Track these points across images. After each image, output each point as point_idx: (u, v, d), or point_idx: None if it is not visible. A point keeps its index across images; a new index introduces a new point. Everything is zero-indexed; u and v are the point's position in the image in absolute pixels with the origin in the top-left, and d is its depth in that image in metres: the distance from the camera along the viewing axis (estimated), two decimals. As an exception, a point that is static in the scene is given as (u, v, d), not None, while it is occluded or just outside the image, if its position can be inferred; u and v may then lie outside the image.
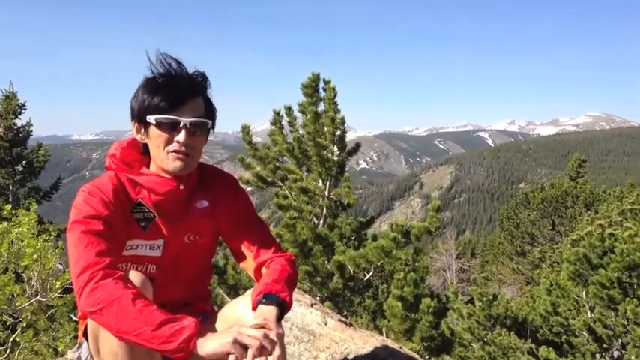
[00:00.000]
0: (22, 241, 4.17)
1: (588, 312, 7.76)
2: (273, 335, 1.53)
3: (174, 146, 1.76)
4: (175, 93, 1.74)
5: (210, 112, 1.85)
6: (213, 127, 1.87)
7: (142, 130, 1.81)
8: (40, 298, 4.26)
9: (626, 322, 7.20)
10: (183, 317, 1.52)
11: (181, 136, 1.75)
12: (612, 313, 7.37)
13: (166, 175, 1.84)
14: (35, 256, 4.12)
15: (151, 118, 1.74)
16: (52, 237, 4.64)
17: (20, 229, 4.17)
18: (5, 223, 4.25)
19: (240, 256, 2.01)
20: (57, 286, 4.35)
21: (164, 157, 1.79)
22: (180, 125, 1.74)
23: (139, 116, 1.79)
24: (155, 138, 1.77)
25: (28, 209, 4.42)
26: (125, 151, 1.91)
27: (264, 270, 1.92)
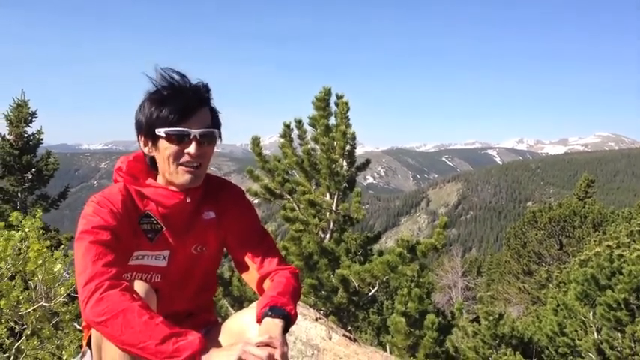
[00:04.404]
0: (27, 247, 4.18)
1: (595, 333, 7.68)
2: (278, 355, 1.53)
3: (185, 158, 1.77)
4: (183, 105, 1.74)
5: (216, 121, 1.86)
6: (220, 136, 1.88)
7: (150, 144, 1.81)
8: (44, 303, 4.26)
9: (633, 344, 7.12)
10: (187, 332, 1.52)
11: (192, 148, 1.75)
12: (619, 334, 7.29)
13: (174, 188, 1.85)
14: (40, 261, 4.12)
15: (160, 131, 1.74)
16: (62, 247, 4.65)
17: (22, 233, 4.18)
18: (6, 232, 4.26)
19: (243, 267, 2.00)
20: (61, 292, 4.34)
21: (174, 171, 1.79)
22: (191, 137, 1.75)
23: (146, 129, 1.78)
24: (164, 151, 1.77)
25: (34, 217, 4.43)
26: (131, 165, 1.92)
27: (267, 282, 1.91)
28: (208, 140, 1.80)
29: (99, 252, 1.63)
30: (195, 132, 1.75)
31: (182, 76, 1.79)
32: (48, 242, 4.25)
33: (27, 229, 4.17)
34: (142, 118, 1.79)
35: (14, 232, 4.24)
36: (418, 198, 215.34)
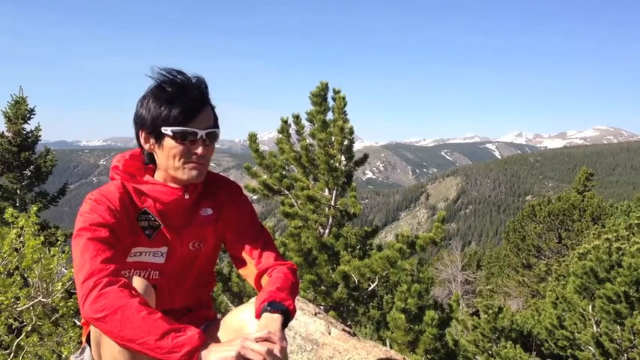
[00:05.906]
0: (22, 243, 4.17)
1: (594, 326, 7.70)
2: (277, 350, 1.52)
3: (191, 158, 1.77)
4: (190, 104, 1.74)
5: (216, 119, 1.86)
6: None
7: (152, 141, 1.80)
8: (42, 299, 4.26)
9: (632, 337, 7.14)
10: (187, 327, 1.51)
11: (199, 149, 1.76)
12: (619, 327, 7.31)
13: (172, 185, 1.85)
14: (36, 256, 4.11)
15: (167, 130, 1.74)
16: (59, 242, 4.65)
17: (17, 230, 4.17)
18: (4, 229, 4.26)
19: (240, 263, 2.00)
20: (58, 288, 4.34)
21: (179, 167, 1.79)
22: (198, 137, 1.75)
23: (151, 127, 1.77)
24: (170, 149, 1.76)
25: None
26: (128, 163, 1.91)
27: (265, 278, 1.91)
28: (212, 139, 1.81)
29: (97, 249, 1.62)
30: (202, 132, 1.76)
31: (182, 74, 1.78)
32: (42, 238, 4.24)
33: (21, 226, 4.16)
34: (145, 115, 1.77)
35: (9, 229, 4.24)
36: (417, 192, 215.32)
